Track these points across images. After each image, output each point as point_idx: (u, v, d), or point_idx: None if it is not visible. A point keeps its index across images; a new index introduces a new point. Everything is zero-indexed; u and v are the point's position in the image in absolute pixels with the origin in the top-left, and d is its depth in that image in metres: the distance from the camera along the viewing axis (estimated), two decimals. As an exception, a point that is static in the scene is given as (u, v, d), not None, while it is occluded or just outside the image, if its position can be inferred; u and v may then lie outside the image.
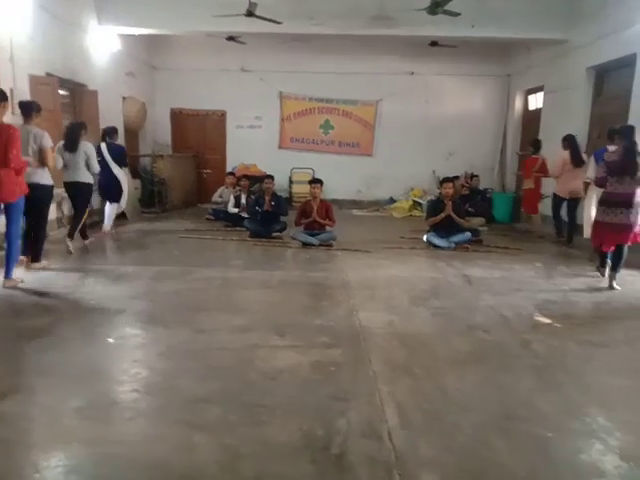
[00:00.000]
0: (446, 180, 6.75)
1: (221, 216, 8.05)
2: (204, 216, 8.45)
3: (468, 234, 6.49)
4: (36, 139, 4.50)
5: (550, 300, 4.20)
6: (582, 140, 7.64)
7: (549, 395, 2.53)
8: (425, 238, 6.59)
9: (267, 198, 6.85)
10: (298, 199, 9.29)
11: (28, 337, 3.19)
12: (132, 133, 9.58)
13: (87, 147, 5.65)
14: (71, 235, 5.65)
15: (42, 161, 4.60)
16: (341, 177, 10.11)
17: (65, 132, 5.71)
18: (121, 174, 6.76)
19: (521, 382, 2.69)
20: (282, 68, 10.22)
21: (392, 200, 10.40)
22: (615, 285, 4.61)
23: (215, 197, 8.49)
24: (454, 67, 10.15)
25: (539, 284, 4.81)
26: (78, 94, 7.49)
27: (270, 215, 6.81)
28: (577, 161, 6.56)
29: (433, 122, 10.27)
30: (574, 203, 6.79)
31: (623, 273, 5.18)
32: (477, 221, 7.94)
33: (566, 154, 6.65)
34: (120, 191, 6.79)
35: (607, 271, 4.80)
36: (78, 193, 5.77)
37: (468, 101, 10.54)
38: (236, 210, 7.83)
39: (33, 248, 4.77)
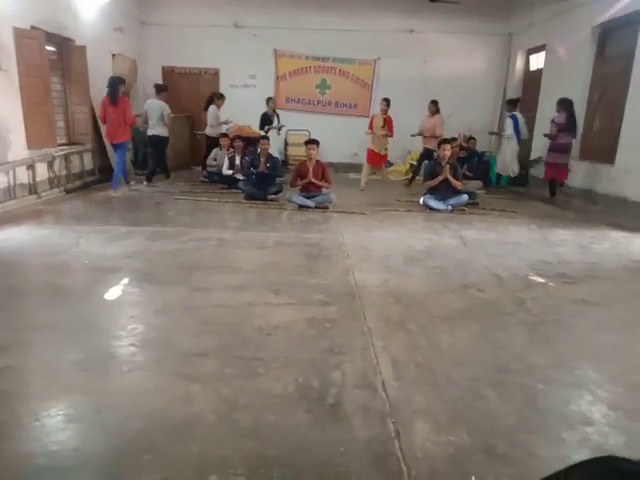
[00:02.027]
0: (444, 142, 6.66)
1: (215, 178, 7.96)
2: (198, 178, 8.35)
3: (465, 197, 6.46)
4: (162, 108, 7.61)
5: (545, 261, 4.23)
6: (582, 102, 7.53)
7: (541, 349, 2.58)
8: (422, 201, 6.55)
9: (262, 159, 6.75)
10: (294, 162, 9.16)
11: (24, 294, 3.19)
12: (123, 92, 9.30)
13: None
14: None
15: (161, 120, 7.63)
16: (338, 139, 9.94)
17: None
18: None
19: (514, 337, 2.73)
20: (277, 24, 9.87)
21: (389, 164, 10.27)
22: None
23: (209, 160, 8.37)
24: (454, 25, 9.83)
25: (534, 245, 4.83)
26: (66, 50, 7.23)
27: (265, 177, 6.73)
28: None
29: (432, 82, 10.02)
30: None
31: (618, 235, 5.23)
32: (474, 184, 7.90)
33: None
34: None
35: None
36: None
37: (468, 61, 10.27)
38: (230, 172, 7.73)
39: (150, 172, 7.72)
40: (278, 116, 8.62)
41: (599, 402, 2.10)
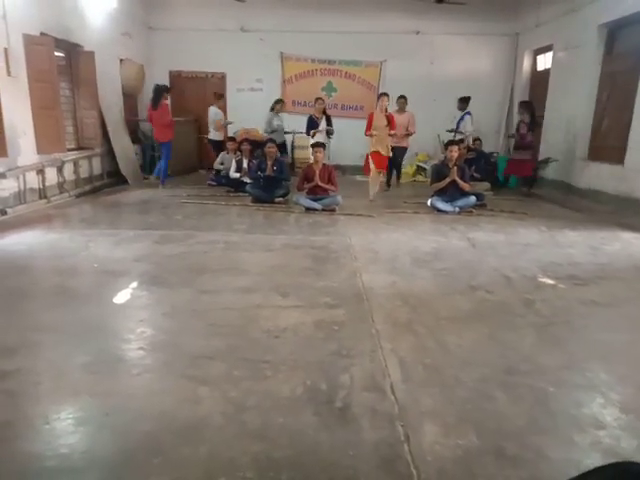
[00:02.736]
0: (451, 143, 6.64)
1: (223, 181, 7.98)
2: (206, 181, 8.38)
3: (473, 198, 6.42)
4: (213, 114, 8.52)
5: (555, 262, 4.19)
6: (590, 101, 7.47)
7: (551, 351, 2.55)
8: (429, 202, 6.53)
9: (269, 163, 6.76)
10: (300, 164, 9.17)
11: (34, 296, 3.22)
12: (131, 97, 9.40)
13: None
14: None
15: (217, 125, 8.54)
16: (344, 142, 9.92)
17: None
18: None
19: (523, 339, 2.70)
20: (283, 28, 9.90)
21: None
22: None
23: (216, 164, 8.40)
24: (461, 26, 9.80)
25: (544, 247, 4.78)
26: (74, 55, 7.30)
27: (272, 180, 6.74)
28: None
29: (438, 84, 10.00)
30: None
31: (629, 236, 5.18)
32: (482, 186, 7.86)
33: None
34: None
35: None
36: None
37: (474, 62, 10.23)
38: (238, 175, 7.75)
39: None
40: (329, 119, 7.83)
41: (610, 404, 2.07)
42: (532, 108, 7.87)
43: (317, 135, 7.57)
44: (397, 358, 2.41)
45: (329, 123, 7.75)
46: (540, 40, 9.15)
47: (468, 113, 8.39)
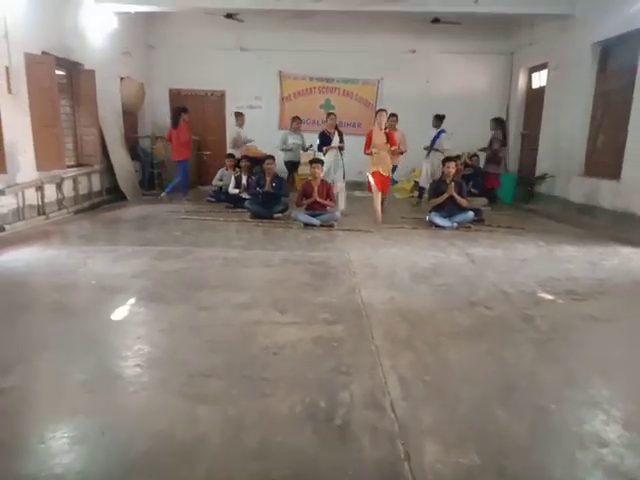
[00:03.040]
0: (448, 159, 6.69)
1: (222, 197, 8.02)
2: (205, 198, 8.41)
3: (471, 214, 6.45)
4: (237, 132, 8.67)
5: (553, 277, 4.19)
6: (585, 118, 7.56)
7: (551, 367, 2.54)
8: (427, 218, 6.56)
9: (268, 179, 6.79)
10: (299, 180, 9.21)
11: (31, 312, 3.20)
12: (130, 114, 9.49)
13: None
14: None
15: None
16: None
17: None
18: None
19: (523, 355, 2.69)
20: (281, 46, 10.06)
21: (394, 181, 10.29)
22: None
23: (215, 180, 8.44)
24: (456, 45, 9.98)
25: (542, 262, 4.79)
26: (75, 74, 7.39)
27: (271, 196, 6.77)
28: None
29: (434, 102, 10.09)
30: None
31: (628, 251, 5.20)
32: (479, 201, 7.89)
33: None
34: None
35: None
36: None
37: (470, 80, 10.38)
38: (237, 191, 7.79)
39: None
40: (341, 135, 7.44)
41: (613, 421, 2.05)
42: (503, 125, 8.44)
43: (329, 152, 7.23)
44: (397, 375, 2.39)
45: (342, 139, 7.38)
46: (535, 58, 9.30)
47: (443, 131, 8.30)
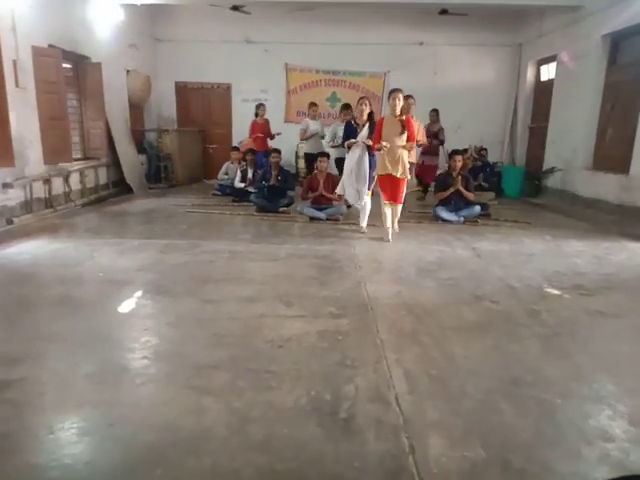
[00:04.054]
0: (455, 153, 6.63)
1: (227, 191, 8.03)
2: (210, 191, 8.43)
3: (477, 208, 6.42)
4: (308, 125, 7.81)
5: (560, 272, 4.17)
6: (594, 111, 7.48)
7: (557, 362, 2.53)
8: (433, 212, 6.52)
9: (274, 172, 6.79)
10: (305, 174, 9.20)
11: (39, 305, 3.23)
12: (137, 108, 9.50)
13: None
14: None
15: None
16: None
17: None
18: None
19: (529, 350, 2.68)
20: (287, 39, 10.01)
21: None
22: None
23: (220, 174, 8.45)
24: (464, 37, 9.88)
25: (549, 256, 4.76)
26: (81, 67, 7.40)
27: (277, 190, 6.76)
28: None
29: (442, 94, 10.02)
30: None
31: (635, 246, 5.15)
32: (486, 195, 7.86)
33: None
34: None
35: None
36: None
37: (478, 72, 10.28)
38: (242, 185, 7.79)
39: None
40: (373, 126, 5.41)
41: (619, 416, 2.04)
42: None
43: (353, 149, 5.41)
44: (402, 369, 2.40)
45: (372, 131, 5.33)
46: (543, 50, 9.19)
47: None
